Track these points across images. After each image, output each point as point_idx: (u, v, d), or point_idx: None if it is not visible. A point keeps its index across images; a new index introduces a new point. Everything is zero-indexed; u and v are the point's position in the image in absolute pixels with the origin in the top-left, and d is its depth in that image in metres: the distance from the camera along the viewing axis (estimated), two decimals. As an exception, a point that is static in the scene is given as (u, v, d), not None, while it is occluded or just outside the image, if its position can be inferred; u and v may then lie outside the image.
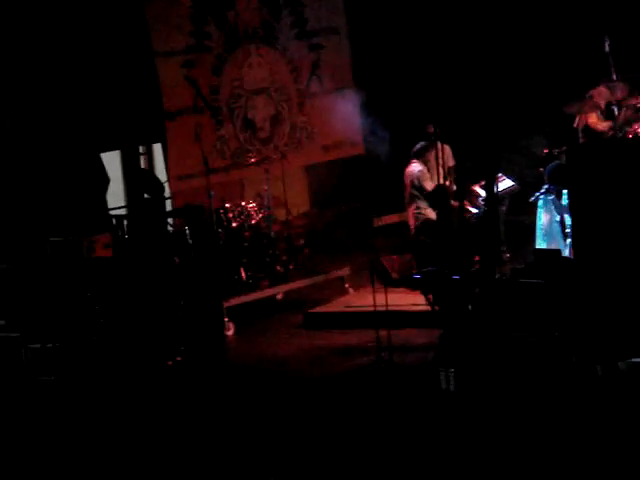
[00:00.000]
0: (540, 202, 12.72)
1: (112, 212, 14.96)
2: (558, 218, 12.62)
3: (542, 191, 12.66)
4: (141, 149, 15.83)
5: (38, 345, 11.13)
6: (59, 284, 11.81)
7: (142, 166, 15.87)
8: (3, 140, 13.08)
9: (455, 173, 12.50)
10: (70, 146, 13.74)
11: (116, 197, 15.34)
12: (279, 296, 13.87)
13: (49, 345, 11.11)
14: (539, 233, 12.74)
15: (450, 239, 11.32)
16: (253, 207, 14.01)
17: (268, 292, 13.53)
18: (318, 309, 13.08)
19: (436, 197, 10.69)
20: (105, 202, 14.95)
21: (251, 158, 14.72)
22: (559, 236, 12.60)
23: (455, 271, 10.48)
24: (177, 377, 11.11)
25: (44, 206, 13.60)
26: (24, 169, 13.44)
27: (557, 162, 12.61)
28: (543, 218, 12.72)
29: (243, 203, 14.15)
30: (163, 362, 11.34)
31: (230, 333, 12.64)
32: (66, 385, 10.83)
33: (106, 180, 14.96)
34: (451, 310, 10.36)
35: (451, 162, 13.12)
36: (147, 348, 11.47)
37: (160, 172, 15.15)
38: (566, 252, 12.02)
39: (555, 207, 12.61)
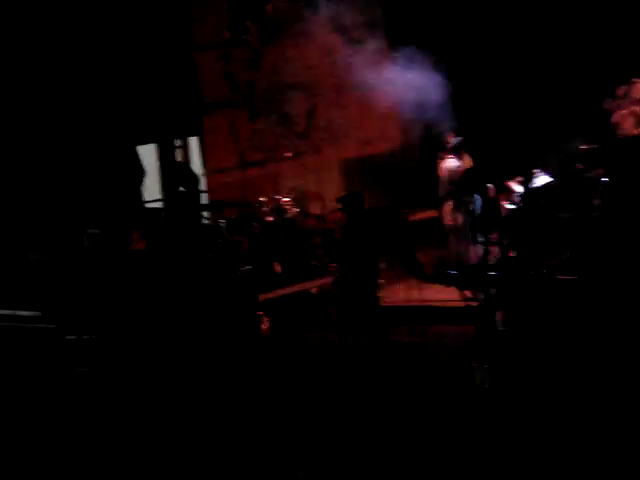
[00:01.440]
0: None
1: (148, 205, 15.06)
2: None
3: None
4: (177, 142, 15.89)
5: (74, 337, 11.19)
6: (96, 276, 11.88)
7: (178, 159, 15.94)
8: (44, 133, 13.17)
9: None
10: (107, 139, 13.81)
11: (152, 190, 15.41)
12: (314, 290, 13.87)
13: (85, 337, 11.17)
14: None
15: (487, 235, 11.29)
16: (288, 201, 14.03)
17: (303, 286, 13.54)
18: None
19: (347, 202, 10.51)
20: (141, 195, 15.02)
21: (287, 152, 14.74)
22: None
23: (491, 267, 10.45)
24: (213, 370, 11.14)
25: (81, 198, 13.68)
26: (63, 161, 13.52)
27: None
28: None
29: (278, 197, 14.18)
30: (199, 354, 11.37)
31: (265, 327, 12.65)
32: (101, 377, 10.88)
33: (142, 173, 15.03)
34: (486, 306, 10.33)
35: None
36: (182, 341, 11.51)
37: (196, 165, 15.20)
38: None
39: None
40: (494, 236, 11.35)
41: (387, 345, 10.30)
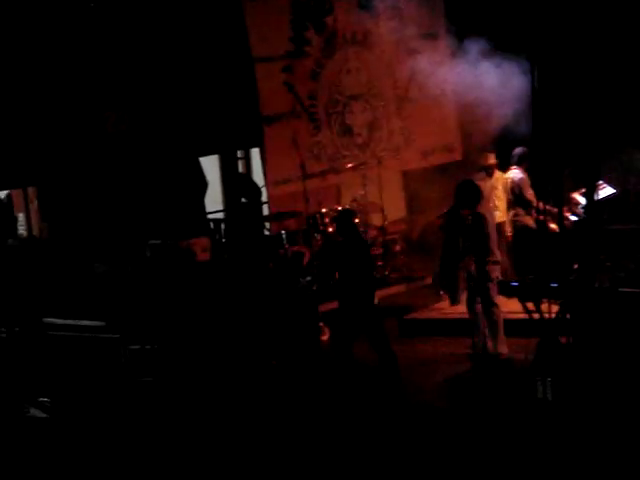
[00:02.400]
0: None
1: (210, 216, 15.15)
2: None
3: None
4: (239, 153, 15.99)
5: (137, 346, 11.28)
6: (158, 286, 11.98)
7: (240, 170, 16.03)
8: (108, 145, 13.31)
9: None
10: (170, 151, 13.92)
11: (214, 201, 15.51)
12: (374, 301, 13.84)
13: (148, 347, 11.26)
14: None
15: (548, 247, 11.19)
16: (349, 212, 14.01)
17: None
18: (414, 315, 13.03)
19: (341, 221, 10.73)
20: (203, 206, 15.12)
21: (348, 163, 14.76)
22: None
23: (554, 279, 10.34)
24: (274, 380, 11.17)
25: (144, 209, 13.80)
26: (126, 173, 13.65)
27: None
28: None
29: (339, 208, 14.19)
30: (259, 365, 11.41)
31: (325, 337, 12.65)
32: (164, 386, 10.96)
33: (204, 184, 15.14)
34: (549, 319, 10.23)
35: (509, 192, 13.14)
36: (244, 351, 11.56)
37: (258, 176, 15.27)
38: None
39: None
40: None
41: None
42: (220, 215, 15.46)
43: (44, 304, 11.84)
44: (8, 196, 14.47)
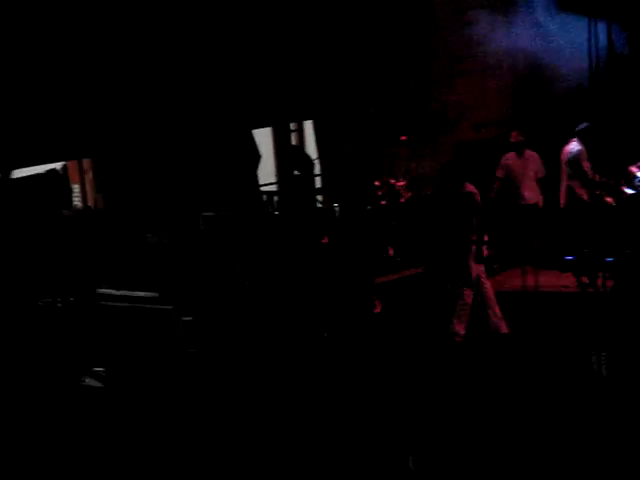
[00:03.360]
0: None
1: (263, 188, 15.17)
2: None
3: None
4: (292, 126, 15.97)
5: (190, 318, 11.33)
6: (211, 258, 12.02)
7: (293, 143, 16.03)
8: (162, 117, 13.36)
9: None
10: (223, 123, 13.94)
11: (267, 174, 15.53)
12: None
13: (199, 318, 11.30)
14: None
15: (604, 221, 11.08)
16: (402, 185, 13.98)
17: (416, 271, 13.47)
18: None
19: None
20: (256, 178, 15.14)
21: (401, 136, 14.69)
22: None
23: (608, 253, 10.25)
24: (325, 352, 11.19)
25: (198, 181, 13.85)
26: (179, 145, 13.70)
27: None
28: None
29: (392, 181, 14.14)
30: (313, 337, 11.43)
31: (377, 311, 12.64)
32: (212, 358, 11.01)
33: (257, 156, 15.15)
34: (604, 293, 10.14)
35: (540, 172, 13.04)
36: (296, 324, 11.58)
37: (310, 149, 15.26)
38: None
39: None
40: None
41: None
42: (273, 188, 15.48)
43: (98, 275, 11.92)
44: (64, 167, 14.58)
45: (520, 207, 13.82)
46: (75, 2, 12.43)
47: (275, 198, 14.78)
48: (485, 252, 11.44)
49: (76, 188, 14.96)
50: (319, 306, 11.81)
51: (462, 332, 11.21)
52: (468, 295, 11.24)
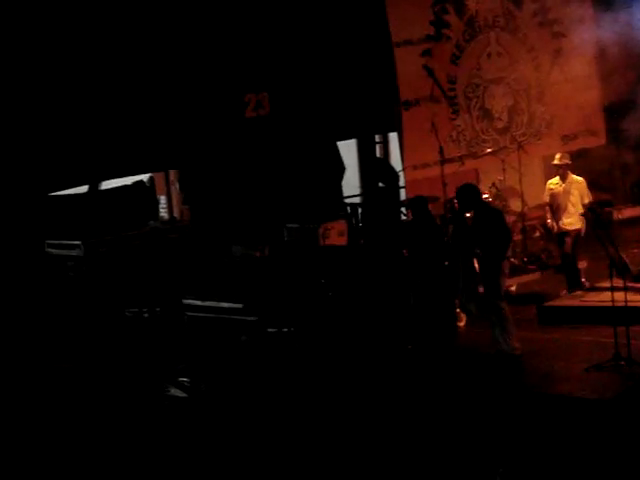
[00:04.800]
0: None
1: (347, 200, 15.17)
2: None
3: None
4: (377, 138, 15.95)
5: (275, 329, 11.36)
6: (295, 269, 12.05)
7: (377, 155, 16.00)
8: (247, 130, 13.47)
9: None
10: (308, 134, 13.98)
11: (351, 185, 15.53)
12: (512, 288, 13.64)
13: (285, 329, 11.33)
14: None
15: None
16: (487, 197, 13.84)
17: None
18: (553, 303, 12.79)
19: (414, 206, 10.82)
20: (340, 190, 15.15)
21: (487, 148, 14.57)
22: None
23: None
24: (410, 364, 11.14)
25: (282, 192, 13.91)
26: (265, 156, 13.78)
27: None
28: None
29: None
30: (397, 348, 11.38)
31: (462, 324, 12.54)
32: (298, 368, 11.02)
33: (342, 168, 15.17)
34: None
35: (586, 197, 12.70)
36: (378, 335, 11.54)
37: (395, 161, 15.21)
38: None
39: None
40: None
41: None
42: (357, 199, 15.46)
43: (184, 285, 12.03)
44: (151, 179, 14.77)
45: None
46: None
47: (359, 210, 14.77)
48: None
49: (162, 199, 15.13)
50: (403, 317, 11.76)
51: (518, 344, 11.09)
52: (505, 306, 11.19)
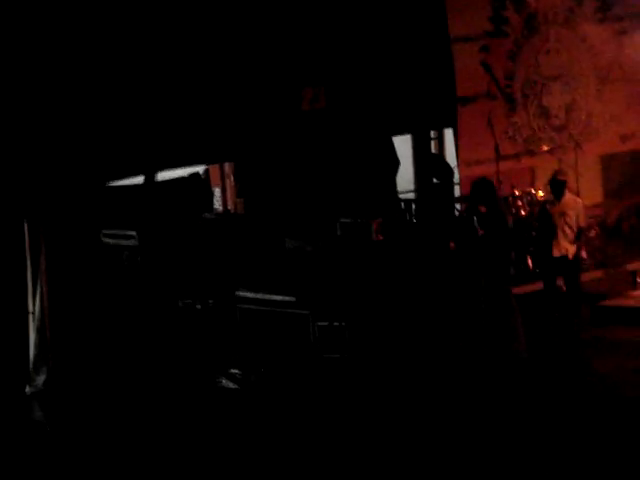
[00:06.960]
0: None
1: (401, 195, 15.13)
2: None
3: None
4: (432, 133, 15.88)
5: (326, 323, 11.38)
6: (347, 264, 12.04)
7: (433, 150, 15.94)
8: (306, 122, 13.48)
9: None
10: (363, 129, 13.96)
11: (406, 181, 15.48)
12: (564, 287, 13.53)
13: (336, 324, 11.35)
14: None
15: None
16: (542, 196, 13.76)
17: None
18: (608, 302, 12.70)
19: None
20: (395, 185, 15.11)
21: (544, 146, 14.47)
22: None
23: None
24: (458, 361, 11.11)
25: (336, 187, 13.90)
26: (318, 149, 13.78)
27: None
28: None
29: (532, 191, 13.94)
30: (444, 346, 11.35)
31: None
32: (350, 363, 11.03)
33: (396, 163, 15.11)
34: None
35: (581, 220, 12.15)
36: (429, 331, 11.52)
37: (450, 157, 15.15)
38: None
39: None
40: None
41: None
42: (411, 195, 15.42)
43: (237, 278, 12.08)
44: (206, 171, 14.82)
45: None
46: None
47: (413, 206, 14.73)
48: None
49: (217, 192, 15.19)
50: (454, 315, 11.72)
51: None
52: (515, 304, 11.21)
